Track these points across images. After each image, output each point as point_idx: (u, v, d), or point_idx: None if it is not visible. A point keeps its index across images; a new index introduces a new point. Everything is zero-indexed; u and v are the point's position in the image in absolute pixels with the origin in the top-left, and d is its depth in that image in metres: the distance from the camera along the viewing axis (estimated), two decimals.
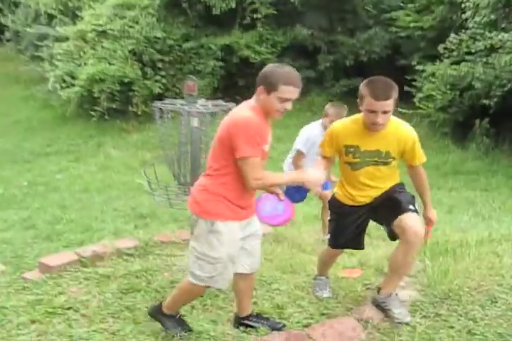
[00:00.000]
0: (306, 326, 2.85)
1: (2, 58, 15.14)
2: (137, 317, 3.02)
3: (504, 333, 2.82)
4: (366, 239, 4.41)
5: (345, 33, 12.42)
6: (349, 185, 3.07)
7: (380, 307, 2.99)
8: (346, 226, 3.09)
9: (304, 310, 3.04)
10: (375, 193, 3.04)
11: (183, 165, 3.06)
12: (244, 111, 2.48)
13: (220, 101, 3.13)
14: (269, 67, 2.52)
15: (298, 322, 2.91)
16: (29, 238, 4.95)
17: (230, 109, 3.09)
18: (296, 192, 3.98)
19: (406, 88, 9.73)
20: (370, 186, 3.03)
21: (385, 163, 2.96)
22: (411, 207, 2.90)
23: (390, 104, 2.72)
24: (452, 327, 2.88)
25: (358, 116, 2.95)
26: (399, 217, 2.84)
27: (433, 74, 9.46)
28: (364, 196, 3.05)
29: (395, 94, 2.75)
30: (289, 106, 2.43)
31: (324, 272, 3.39)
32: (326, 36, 12.25)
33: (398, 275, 3.00)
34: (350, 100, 8.39)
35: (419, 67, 9.83)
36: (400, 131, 2.92)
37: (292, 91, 2.38)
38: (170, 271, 3.61)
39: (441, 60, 9.65)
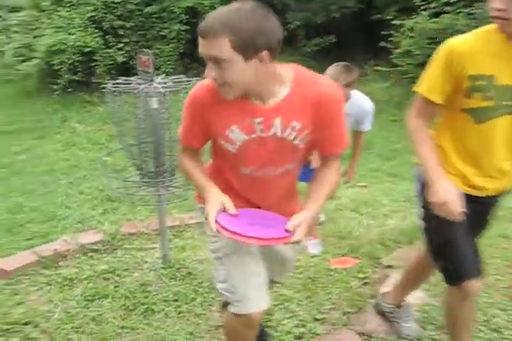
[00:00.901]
0: (298, 338, 2.49)
1: None
2: (104, 330, 2.66)
3: None
4: (356, 217, 4.08)
5: None
6: (461, 154, 1.88)
7: (385, 317, 2.53)
8: (460, 236, 1.92)
9: (293, 315, 2.69)
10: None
11: (144, 153, 2.62)
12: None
13: (182, 77, 2.67)
14: None
15: (289, 333, 2.56)
16: None
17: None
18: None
19: (382, 44, 9.30)
20: (507, 159, 1.89)
21: None
22: None
23: None
24: None
25: (487, 28, 1.82)
26: None
27: (411, 29, 9.01)
28: (489, 179, 1.91)
29: None
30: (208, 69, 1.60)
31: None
32: None
33: (415, 281, 2.43)
34: (325, 60, 7.98)
35: (396, 22, 9.36)
36: None
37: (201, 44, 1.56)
38: (140, 271, 3.24)
39: (417, 13, 9.19)
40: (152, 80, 2.54)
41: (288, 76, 1.67)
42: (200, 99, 1.72)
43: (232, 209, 1.65)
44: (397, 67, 9.39)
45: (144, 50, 2.57)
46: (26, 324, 2.78)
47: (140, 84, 2.63)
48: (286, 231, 1.60)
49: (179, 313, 2.81)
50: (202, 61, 1.64)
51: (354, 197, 4.71)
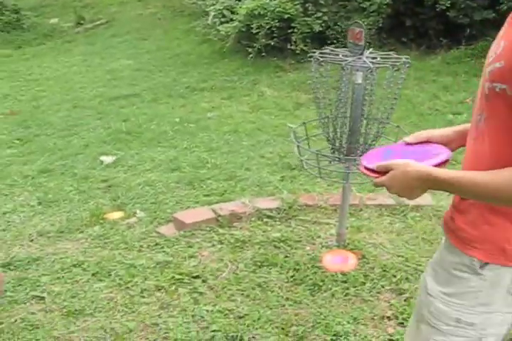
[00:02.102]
0: None
1: None
2: (269, 299, 2.65)
3: None
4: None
5: None
6: None
7: None
8: None
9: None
10: None
11: (339, 127, 2.51)
12: None
13: (391, 54, 2.49)
14: None
15: None
16: (172, 181, 4.77)
17: (403, 64, 2.47)
18: None
19: None
20: None
21: None
22: None
23: None
24: None
25: None
26: None
27: None
28: None
29: None
30: None
31: None
32: None
33: None
34: None
35: None
36: None
37: None
38: (312, 245, 3.18)
39: None
40: (361, 54, 2.40)
41: None
42: None
43: None
44: None
45: (357, 21, 2.42)
46: (196, 277, 2.87)
47: (347, 56, 2.50)
48: None
49: (345, 295, 2.71)
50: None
51: None
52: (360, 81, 2.41)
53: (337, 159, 2.67)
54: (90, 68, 9.94)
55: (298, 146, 2.67)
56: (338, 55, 2.50)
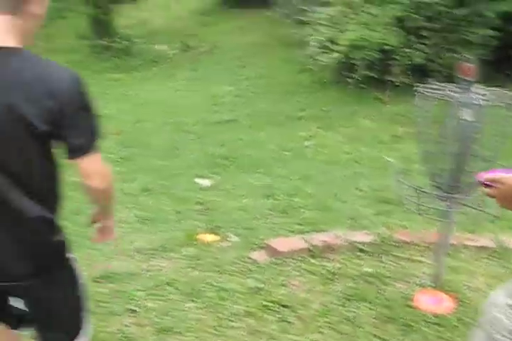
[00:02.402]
0: None
1: (270, 21, 15.59)
2: (357, 334, 2.60)
3: None
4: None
5: None
6: None
7: None
8: None
9: None
10: None
11: (442, 163, 2.46)
12: None
13: (501, 91, 2.42)
14: None
15: None
16: (266, 208, 4.82)
17: None
18: None
19: None
20: None
21: None
22: None
23: None
24: None
25: None
26: None
27: None
28: None
29: None
30: None
31: None
32: None
33: None
34: None
35: None
36: None
37: None
38: (405, 282, 3.10)
39: None
40: (470, 90, 2.35)
41: None
42: None
43: None
44: None
45: (468, 56, 2.39)
46: (285, 306, 2.87)
47: (454, 91, 2.46)
48: None
49: (438, 338, 2.62)
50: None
51: None
52: (468, 118, 2.36)
53: (438, 196, 2.61)
54: (193, 93, 10.30)
55: (397, 181, 2.63)
56: (444, 89, 2.47)
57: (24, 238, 1.64)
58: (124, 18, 14.16)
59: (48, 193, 1.68)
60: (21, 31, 1.56)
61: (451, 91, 2.44)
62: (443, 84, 2.56)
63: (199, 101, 9.65)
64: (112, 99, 9.62)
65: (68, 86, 1.55)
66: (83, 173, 1.64)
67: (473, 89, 2.39)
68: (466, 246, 3.49)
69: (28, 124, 1.49)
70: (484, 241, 3.57)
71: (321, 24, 11.66)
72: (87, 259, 3.50)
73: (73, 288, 1.83)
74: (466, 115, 2.35)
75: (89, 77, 10.99)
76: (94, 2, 13.10)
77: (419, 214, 2.59)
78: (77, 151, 1.61)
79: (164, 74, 12.08)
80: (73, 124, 1.57)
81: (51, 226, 1.69)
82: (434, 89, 2.50)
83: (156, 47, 14.01)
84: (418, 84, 2.61)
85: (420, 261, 3.34)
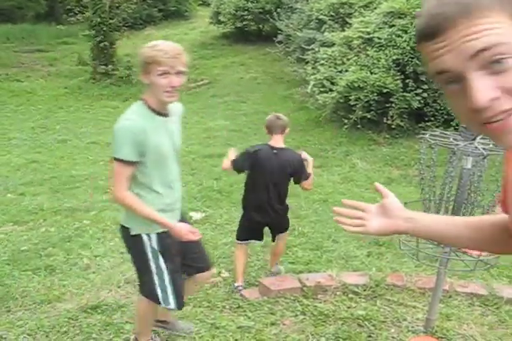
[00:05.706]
0: None
1: (272, 59, 15.87)
2: None
3: None
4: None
5: None
6: None
7: None
8: None
9: None
10: None
11: (443, 210, 2.47)
12: None
13: None
14: None
15: None
16: (258, 245, 4.79)
17: None
18: None
19: None
20: None
21: None
22: None
23: None
24: None
25: None
26: None
27: None
28: None
29: None
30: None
31: None
32: None
33: None
34: None
35: None
36: None
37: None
38: (397, 327, 3.07)
39: None
40: (474, 139, 2.38)
41: None
42: None
43: None
44: None
45: None
46: None
47: (458, 140, 2.49)
48: None
49: None
50: None
51: None
52: (469, 166, 2.38)
53: (436, 243, 2.61)
54: (188, 125, 10.33)
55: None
56: (448, 138, 2.50)
57: None
58: (126, 47, 14.33)
59: None
60: None
61: (455, 139, 2.47)
62: (447, 133, 2.59)
63: (194, 133, 9.68)
64: (109, 126, 9.64)
65: None
66: None
67: (477, 138, 2.42)
68: (457, 293, 3.49)
69: None
70: (476, 287, 3.56)
71: (321, 64, 11.85)
72: (77, 288, 3.46)
73: None
74: (468, 163, 2.38)
75: (86, 103, 11.04)
76: (97, 29, 13.27)
77: (417, 259, 2.59)
78: None
79: None
80: None
81: None
82: (436, 136, 2.53)
83: None
84: (415, 128, 2.66)
85: (413, 307, 3.32)
